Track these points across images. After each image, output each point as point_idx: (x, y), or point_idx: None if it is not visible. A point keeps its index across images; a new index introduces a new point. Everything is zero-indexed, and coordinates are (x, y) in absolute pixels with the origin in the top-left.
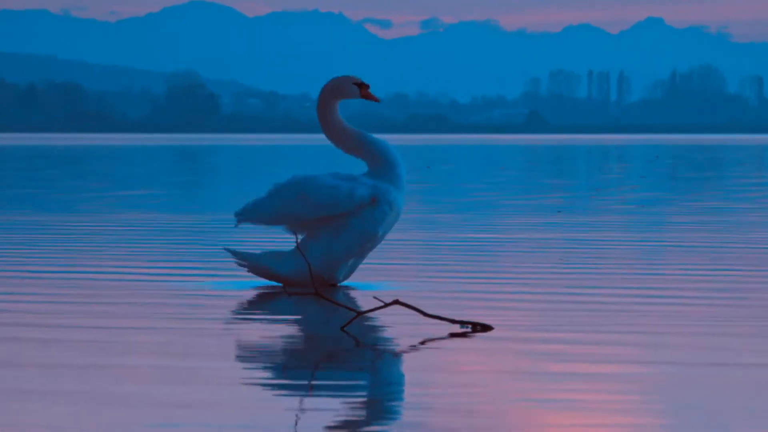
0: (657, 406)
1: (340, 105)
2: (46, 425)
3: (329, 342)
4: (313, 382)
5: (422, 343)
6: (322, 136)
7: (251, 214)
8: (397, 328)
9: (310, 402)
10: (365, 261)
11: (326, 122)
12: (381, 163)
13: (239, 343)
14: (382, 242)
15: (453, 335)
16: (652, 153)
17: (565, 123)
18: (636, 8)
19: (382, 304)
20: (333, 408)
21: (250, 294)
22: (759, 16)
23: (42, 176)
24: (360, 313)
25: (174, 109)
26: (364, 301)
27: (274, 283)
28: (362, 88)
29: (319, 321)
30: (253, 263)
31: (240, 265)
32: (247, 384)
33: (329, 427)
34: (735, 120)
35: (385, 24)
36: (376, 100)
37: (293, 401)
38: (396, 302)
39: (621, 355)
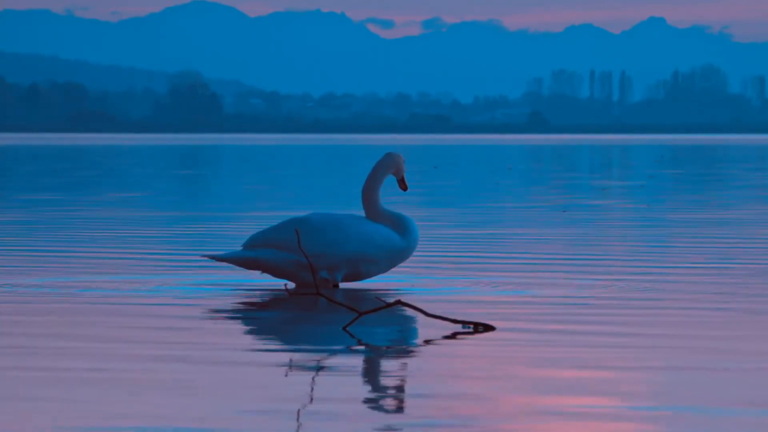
0: (660, 407)
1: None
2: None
3: (331, 342)
4: (315, 382)
5: (424, 343)
6: (323, 136)
7: (265, 240)
8: (399, 328)
9: (311, 401)
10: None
11: (369, 192)
12: (401, 229)
13: (240, 343)
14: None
15: (455, 335)
16: (655, 153)
17: (567, 123)
18: (638, 8)
19: (384, 304)
20: (335, 407)
21: (252, 294)
22: (761, 17)
23: (40, 176)
24: (362, 313)
25: (176, 109)
26: (366, 301)
27: (276, 283)
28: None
29: (321, 321)
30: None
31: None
32: (248, 383)
33: (331, 427)
34: (737, 120)
35: (387, 24)
36: (404, 188)
37: (295, 401)
38: (398, 302)
39: (623, 356)
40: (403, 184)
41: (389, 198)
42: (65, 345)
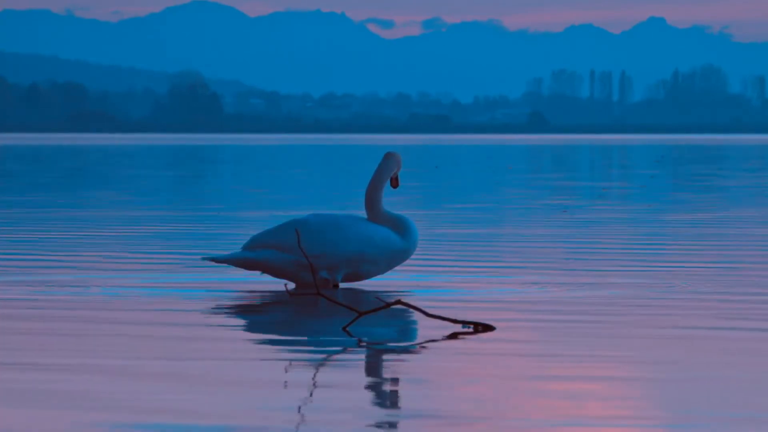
0: (658, 406)
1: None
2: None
3: (331, 342)
4: (315, 382)
5: (424, 343)
6: (323, 136)
7: (266, 241)
8: (399, 328)
9: (311, 401)
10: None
11: (374, 194)
12: (401, 230)
13: (240, 343)
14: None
15: (455, 335)
16: (655, 153)
17: (567, 123)
18: (638, 8)
19: (384, 304)
20: (334, 408)
21: (252, 294)
22: (761, 17)
23: (42, 176)
24: (362, 313)
25: (176, 109)
26: (366, 301)
27: (276, 283)
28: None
29: (321, 321)
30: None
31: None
32: (248, 383)
33: (331, 427)
34: (737, 120)
35: (388, 24)
36: (393, 186)
37: (295, 400)
38: (398, 302)
39: (624, 356)
40: (395, 182)
41: (388, 198)
42: (64, 345)
